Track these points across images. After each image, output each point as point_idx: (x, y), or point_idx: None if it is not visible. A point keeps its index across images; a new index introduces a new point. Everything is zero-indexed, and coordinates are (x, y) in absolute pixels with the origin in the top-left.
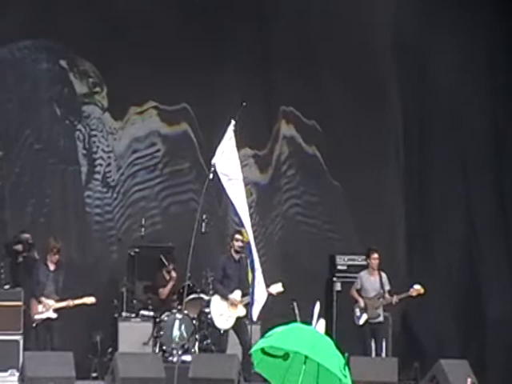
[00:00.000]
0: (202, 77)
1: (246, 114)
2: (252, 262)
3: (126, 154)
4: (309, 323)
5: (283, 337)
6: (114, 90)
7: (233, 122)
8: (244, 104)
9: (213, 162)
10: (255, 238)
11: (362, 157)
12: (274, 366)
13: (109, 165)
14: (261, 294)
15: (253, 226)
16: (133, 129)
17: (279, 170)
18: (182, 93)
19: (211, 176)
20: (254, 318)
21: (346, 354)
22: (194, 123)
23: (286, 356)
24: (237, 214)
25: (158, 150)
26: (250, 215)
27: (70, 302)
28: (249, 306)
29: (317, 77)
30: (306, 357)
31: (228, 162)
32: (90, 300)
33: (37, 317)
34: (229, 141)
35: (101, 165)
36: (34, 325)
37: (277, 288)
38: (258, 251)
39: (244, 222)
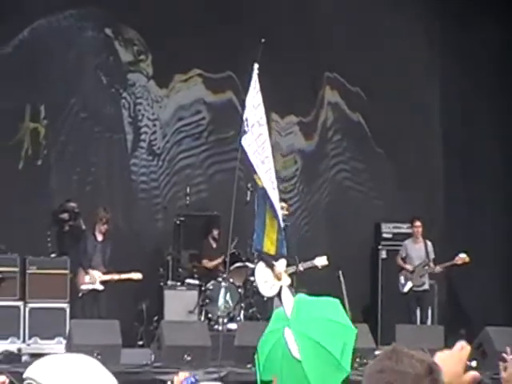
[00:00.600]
0: (247, 45)
1: (290, 81)
2: (272, 205)
3: (172, 121)
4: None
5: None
6: (159, 57)
7: (256, 66)
8: (263, 41)
9: (245, 117)
10: (300, 206)
11: (405, 124)
12: None
13: (154, 133)
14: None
15: (298, 194)
16: (178, 96)
17: (325, 136)
18: (227, 60)
19: (246, 130)
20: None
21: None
22: (239, 91)
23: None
24: (249, 161)
25: (203, 118)
26: (294, 184)
27: (116, 276)
28: (280, 246)
29: (361, 43)
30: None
31: (255, 109)
32: (137, 276)
33: (83, 287)
34: (254, 89)
35: (146, 133)
36: (79, 295)
37: (322, 261)
38: (304, 218)
39: (256, 168)
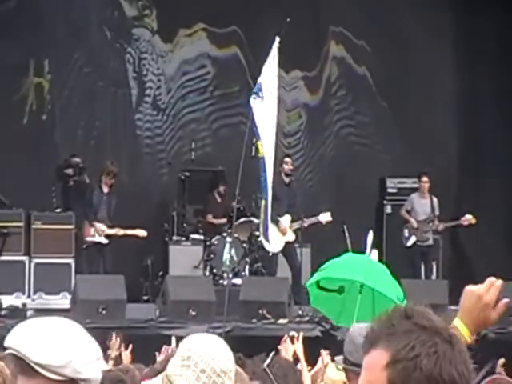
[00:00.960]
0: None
1: (295, 36)
2: (265, 179)
3: (176, 76)
4: (360, 251)
5: (337, 267)
6: (164, 12)
7: (277, 39)
8: (288, 20)
9: (259, 80)
10: (304, 161)
11: (411, 78)
12: (330, 301)
13: (159, 87)
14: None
15: (302, 149)
16: (182, 51)
17: (329, 91)
18: (231, 15)
19: (259, 94)
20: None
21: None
22: (244, 46)
23: (341, 289)
24: (255, 127)
25: (208, 73)
26: (299, 138)
27: (121, 231)
28: (264, 229)
29: None
30: (362, 286)
31: (269, 81)
32: (142, 233)
33: (88, 239)
34: (273, 60)
35: (151, 87)
36: (84, 246)
37: (326, 217)
38: (309, 173)
39: (261, 135)
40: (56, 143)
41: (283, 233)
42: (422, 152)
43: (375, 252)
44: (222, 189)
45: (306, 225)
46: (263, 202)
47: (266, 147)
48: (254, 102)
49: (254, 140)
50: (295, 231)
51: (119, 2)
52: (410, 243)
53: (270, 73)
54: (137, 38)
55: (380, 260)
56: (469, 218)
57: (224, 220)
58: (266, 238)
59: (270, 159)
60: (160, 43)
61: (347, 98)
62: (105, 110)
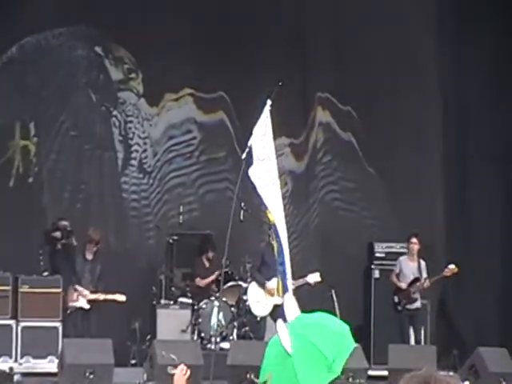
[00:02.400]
0: (239, 65)
1: (282, 103)
2: (280, 244)
3: (162, 140)
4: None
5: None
6: (150, 76)
7: (269, 102)
8: (280, 83)
9: (249, 143)
10: (289, 228)
11: (398, 143)
12: None
13: (145, 151)
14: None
15: (287, 215)
16: (169, 115)
17: (315, 157)
18: (218, 80)
19: (243, 156)
20: (290, 290)
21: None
22: (231, 112)
23: None
24: (258, 196)
25: (194, 138)
26: (284, 206)
27: (101, 296)
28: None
29: (352, 62)
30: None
31: (261, 142)
32: (121, 298)
33: (71, 304)
34: (264, 121)
35: (137, 151)
36: (68, 312)
37: (314, 277)
38: (294, 240)
39: (266, 203)
40: (43, 206)
41: (270, 294)
42: (409, 216)
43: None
44: (210, 254)
45: (293, 286)
46: (280, 269)
47: (275, 213)
48: (253, 170)
49: (242, 204)
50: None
51: (105, 65)
52: (400, 308)
53: (261, 134)
54: (122, 102)
55: (368, 325)
56: (451, 268)
57: (213, 277)
58: (286, 289)
59: (281, 224)
60: (146, 107)
61: (332, 164)
62: (91, 174)
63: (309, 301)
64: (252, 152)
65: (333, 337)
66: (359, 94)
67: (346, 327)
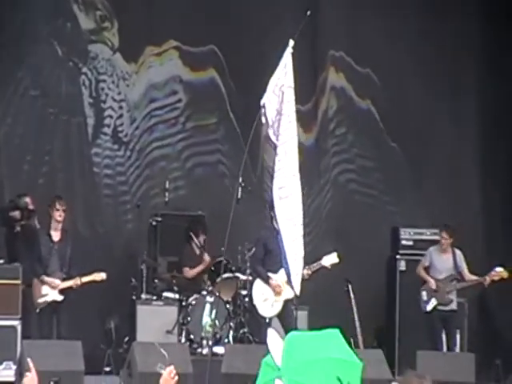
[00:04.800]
0: (235, 13)
1: (280, 57)
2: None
3: (142, 103)
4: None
5: None
6: (127, 25)
7: (291, 43)
8: (309, 13)
9: (262, 102)
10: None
11: (427, 114)
12: None
13: (120, 116)
14: (299, 266)
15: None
16: (149, 73)
17: (326, 129)
18: (209, 31)
19: (263, 119)
20: (298, 291)
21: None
22: (224, 69)
23: None
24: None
25: (180, 100)
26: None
27: (78, 280)
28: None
29: (373, 15)
30: None
31: (279, 93)
32: (101, 276)
33: (40, 300)
34: (284, 68)
35: (111, 116)
36: (37, 310)
37: (331, 259)
38: (304, 227)
39: (274, 179)
40: None
41: (277, 291)
42: (440, 202)
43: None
44: (201, 239)
45: (307, 272)
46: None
47: (288, 189)
48: (268, 129)
49: (241, 180)
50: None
51: (73, 11)
52: (429, 308)
53: (281, 86)
54: (94, 56)
55: (393, 327)
56: (499, 271)
57: (201, 266)
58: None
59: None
60: (122, 63)
61: (347, 138)
62: (56, 143)
63: (321, 296)
64: (266, 113)
65: (336, 369)
66: (380, 54)
67: (345, 350)
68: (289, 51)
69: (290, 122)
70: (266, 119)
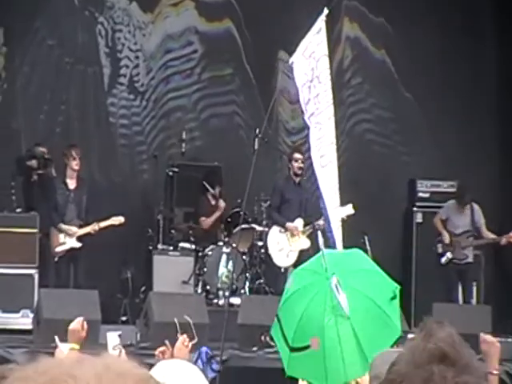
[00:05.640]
0: None
1: (300, 11)
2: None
3: (158, 53)
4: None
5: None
6: None
7: (325, 12)
8: None
9: (290, 60)
10: (312, 164)
11: (442, 64)
12: (309, 361)
13: (136, 66)
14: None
15: (309, 149)
16: (165, 24)
17: (341, 79)
18: None
19: (286, 77)
20: (340, 248)
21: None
22: (240, 20)
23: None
24: (307, 129)
25: (196, 51)
26: (305, 137)
27: (96, 226)
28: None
29: None
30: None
31: (311, 61)
32: (119, 220)
33: (58, 249)
34: (316, 35)
35: (127, 66)
36: (55, 259)
37: (346, 210)
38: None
39: (312, 143)
40: (14, 130)
41: (294, 234)
42: (456, 152)
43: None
44: (217, 190)
45: (324, 223)
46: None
47: (316, 154)
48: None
49: (257, 131)
50: (309, 236)
51: None
52: (444, 261)
53: (312, 53)
54: (110, 6)
55: (409, 280)
56: None
57: (217, 214)
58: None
59: (324, 167)
60: (139, 13)
61: (364, 87)
62: (72, 92)
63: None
64: (293, 72)
65: (380, 281)
66: (395, 2)
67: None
68: (322, 19)
69: (326, 91)
70: (293, 78)
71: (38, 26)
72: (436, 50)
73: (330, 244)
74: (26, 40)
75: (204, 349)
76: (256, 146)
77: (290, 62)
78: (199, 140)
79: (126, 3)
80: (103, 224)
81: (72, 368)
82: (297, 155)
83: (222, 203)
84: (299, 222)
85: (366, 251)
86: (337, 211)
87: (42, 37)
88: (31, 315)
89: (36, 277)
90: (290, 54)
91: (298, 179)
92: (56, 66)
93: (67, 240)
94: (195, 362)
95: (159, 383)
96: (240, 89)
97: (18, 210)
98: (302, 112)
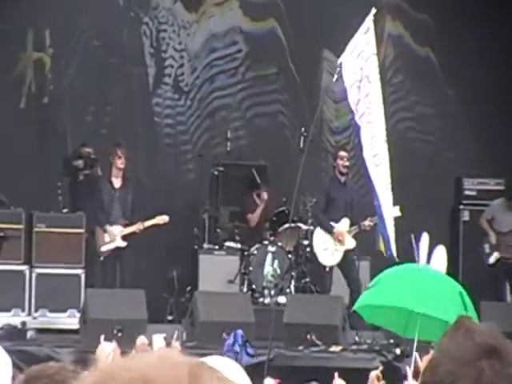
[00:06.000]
0: None
1: (343, 9)
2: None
3: (202, 53)
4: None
5: (386, 290)
6: None
7: (373, 11)
8: None
9: (339, 60)
10: (356, 163)
11: (487, 60)
12: (389, 313)
13: (181, 66)
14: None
15: (353, 148)
16: (210, 23)
17: (384, 77)
18: None
19: (335, 78)
20: (395, 254)
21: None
22: (284, 19)
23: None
24: (357, 129)
25: (240, 51)
26: (348, 136)
27: (141, 225)
28: (385, 241)
29: None
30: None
31: (360, 60)
32: (163, 219)
33: (103, 248)
34: (364, 35)
35: (172, 66)
36: (101, 259)
37: (393, 212)
38: (360, 179)
39: (364, 143)
40: (60, 132)
41: (340, 240)
42: (503, 150)
43: (441, 251)
44: (264, 190)
45: (368, 223)
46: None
47: (368, 153)
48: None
49: (303, 130)
50: (355, 236)
51: None
52: (491, 260)
53: (361, 53)
54: (155, 6)
55: (456, 277)
56: None
57: (261, 207)
58: (390, 252)
59: (376, 165)
60: (183, 12)
61: (405, 85)
62: (117, 93)
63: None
64: (342, 72)
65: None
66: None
67: None
68: (370, 18)
69: (376, 90)
70: (342, 78)
71: (84, 27)
72: (480, 46)
73: (385, 243)
74: (72, 41)
75: (240, 331)
76: (301, 145)
77: (338, 62)
78: (244, 139)
79: (170, 3)
80: (148, 223)
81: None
82: (342, 153)
83: (265, 195)
84: (345, 222)
85: (412, 250)
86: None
87: (87, 38)
88: (78, 315)
89: (82, 277)
90: (334, 52)
91: (343, 178)
92: (101, 67)
93: (112, 240)
94: (232, 345)
95: (212, 368)
96: (284, 88)
97: (65, 210)
98: (352, 112)
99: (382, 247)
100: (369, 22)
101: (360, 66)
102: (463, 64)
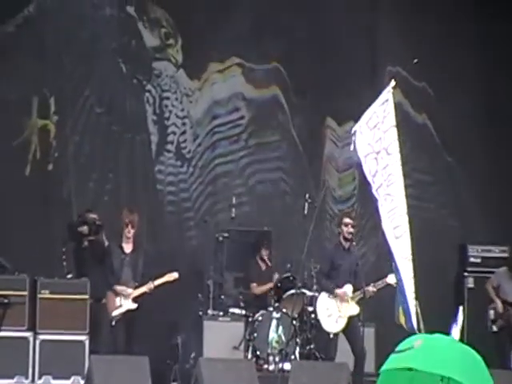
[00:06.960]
0: (300, 32)
1: (349, 76)
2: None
3: (205, 120)
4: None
5: (420, 356)
6: (191, 42)
7: (392, 83)
8: (415, 61)
9: (353, 129)
10: (359, 231)
11: (485, 127)
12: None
13: (184, 133)
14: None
15: (356, 217)
16: (212, 90)
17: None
18: (272, 49)
19: (352, 147)
20: (415, 327)
21: None
22: (287, 86)
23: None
24: (375, 201)
25: (242, 117)
26: (352, 205)
27: (151, 284)
28: (405, 313)
29: (428, 32)
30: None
31: (376, 132)
32: (173, 276)
33: (115, 313)
34: (381, 106)
35: (174, 133)
36: (113, 323)
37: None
38: (363, 246)
39: (383, 215)
40: (64, 198)
41: (344, 299)
42: (507, 217)
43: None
44: (265, 253)
45: (372, 289)
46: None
47: (388, 224)
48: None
49: (307, 196)
50: (359, 302)
51: (138, 29)
52: (496, 328)
53: (378, 124)
54: (158, 74)
55: (461, 341)
56: None
57: (271, 284)
58: (411, 325)
59: (395, 233)
60: (185, 80)
61: (402, 153)
62: (120, 160)
63: (388, 313)
64: (355, 141)
65: None
66: (438, 67)
67: None
68: (389, 90)
69: (396, 162)
70: (355, 147)
71: (88, 93)
72: (479, 112)
73: (406, 315)
74: (76, 108)
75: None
76: (305, 212)
77: (352, 131)
78: (247, 205)
79: (173, 71)
80: (158, 282)
81: None
82: (347, 220)
83: (275, 276)
84: (348, 288)
85: (416, 317)
86: (388, 277)
87: (90, 105)
88: (82, 382)
89: (87, 343)
90: (337, 121)
91: (347, 244)
92: (104, 134)
93: (123, 302)
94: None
95: None
96: (286, 155)
97: (69, 275)
98: (369, 184)
99: (401, 320)
100: (387, 93)
101: (377, 138)
102: (461, 131)
